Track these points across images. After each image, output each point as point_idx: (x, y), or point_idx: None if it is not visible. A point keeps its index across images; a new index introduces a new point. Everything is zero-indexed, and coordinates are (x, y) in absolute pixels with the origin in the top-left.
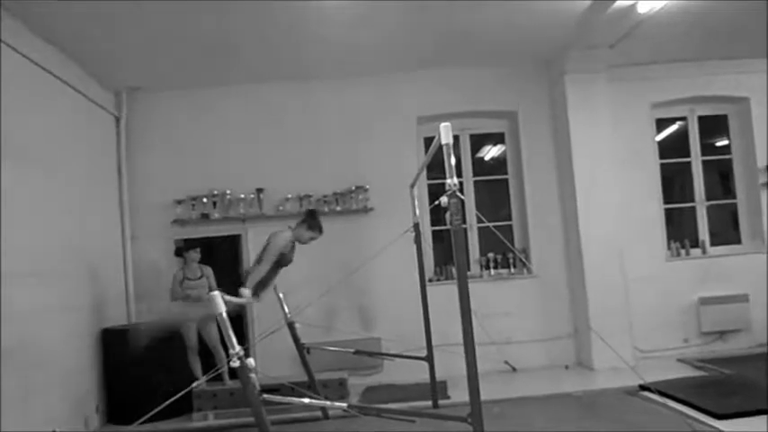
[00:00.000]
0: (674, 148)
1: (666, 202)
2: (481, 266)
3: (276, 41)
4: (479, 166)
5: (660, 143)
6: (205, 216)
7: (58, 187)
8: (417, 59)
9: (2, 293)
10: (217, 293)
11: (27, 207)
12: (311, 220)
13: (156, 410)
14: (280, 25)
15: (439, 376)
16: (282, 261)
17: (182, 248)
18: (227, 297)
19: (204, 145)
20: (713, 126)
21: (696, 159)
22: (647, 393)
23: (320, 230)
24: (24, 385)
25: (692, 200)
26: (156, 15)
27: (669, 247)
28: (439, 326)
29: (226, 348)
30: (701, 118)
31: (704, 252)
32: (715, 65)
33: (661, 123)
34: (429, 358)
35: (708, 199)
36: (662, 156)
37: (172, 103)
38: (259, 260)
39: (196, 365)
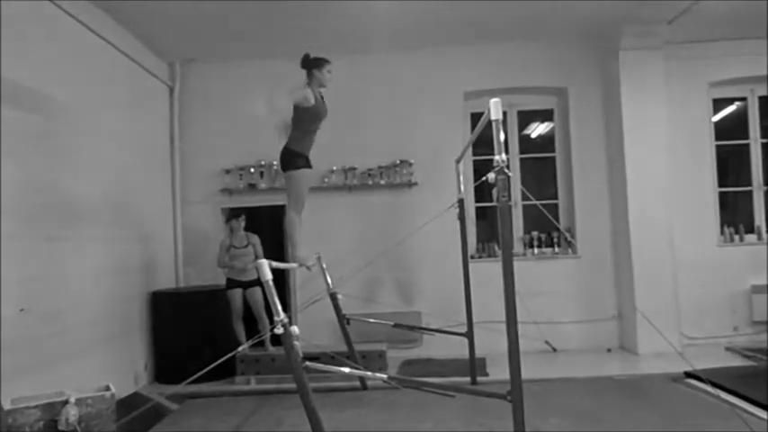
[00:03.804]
0: (731, 129)
1: (721, 185)
2: (525, 245)
3: (325, 14)
4: (525, 143)
5: (716, 124)
6: (252, 186)
7: (113, 153)
8: (466, 34)
9: (58, 255)
10: (264, 261)
11: (84, 171)
12: (312, 63)
13: (201, 372)
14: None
15: (478, 353)
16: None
17: (230, 217)
18: (275, 264)
19: (253, 116)
20: None
21: (755, 142)
22: (692, 381)
23: (326, 60)
24: (78, 343)
25: (749, 184)
26: None
27: (722, 232)
28: (479, 303)
29: (270, 315)
30: (761, 98)
31: (759, 238)
32: None
33: (718, 104)
34: (469, 334)
35: (766, 183)
36: (718, 137)
37: (223, 74)
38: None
39: (240, 331)
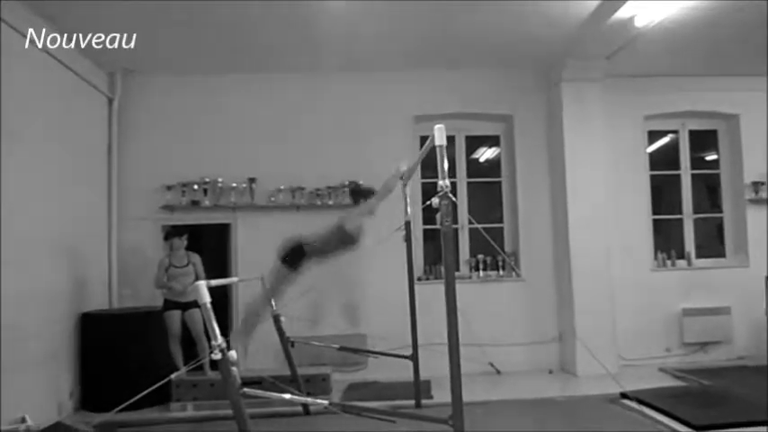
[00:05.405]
0: (664, 160)
1: (655, 213)
2: (470, 267)
3: (276, 33)
4: (474, 167)
5: (651, 155)
6: (195, 203)
7: (42, 166)
8: (417, 59)
9: None
10: (202, 282)
11: (7, 186)
12: (364, 193)
13: (133, 399)
14: (280, 17)
15: (423, 375)
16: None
17: (170, 234)
18: (214, 282)
19: (198, 131)
20: (703, 140)
21: (685, 172)
22: (627, 401)
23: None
24: None
25: (680, 212)
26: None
27: (656, 258)
28: (426, 325)
29: (209, 338)
30: (691, 132)
31: (689, 264)
32: (708, 81)
33: (653, 135)
34: (414, 357)
35: (695, 212)
36: (652, 167)
37: (167, 87)
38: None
39: (177, 354)
